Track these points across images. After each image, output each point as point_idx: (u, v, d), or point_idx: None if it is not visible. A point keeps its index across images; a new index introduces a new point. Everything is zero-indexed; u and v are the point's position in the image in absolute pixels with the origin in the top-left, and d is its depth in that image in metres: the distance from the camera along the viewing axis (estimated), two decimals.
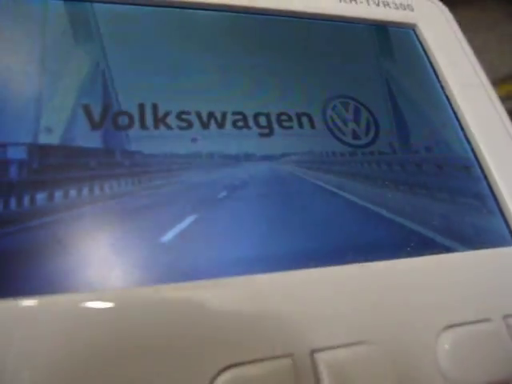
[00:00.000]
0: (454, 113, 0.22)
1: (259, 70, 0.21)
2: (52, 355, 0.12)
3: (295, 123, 0.20)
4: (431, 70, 0.23)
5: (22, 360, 0.12)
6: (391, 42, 0.24)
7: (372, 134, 0.21)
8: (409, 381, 0.15)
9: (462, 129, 0.22)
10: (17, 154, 0.16)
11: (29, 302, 0.13)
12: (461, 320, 0.16)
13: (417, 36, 0.24)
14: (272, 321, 0.14)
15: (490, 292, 0.17)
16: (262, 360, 0.13)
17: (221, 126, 0.19)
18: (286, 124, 0.20)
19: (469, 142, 0.22)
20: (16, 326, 0.12)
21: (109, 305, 0.13)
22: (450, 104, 0.23)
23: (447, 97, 0.23)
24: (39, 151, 0.16)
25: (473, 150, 0.21)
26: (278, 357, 0.14)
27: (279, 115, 0.20)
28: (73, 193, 0.16)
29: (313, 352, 0.14)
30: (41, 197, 0.15)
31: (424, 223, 0.19)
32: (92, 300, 0.13)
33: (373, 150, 0.20)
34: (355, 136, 0.20)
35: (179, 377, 0.13)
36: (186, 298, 0.14)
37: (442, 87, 0.23)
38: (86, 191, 0.16)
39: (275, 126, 0.19)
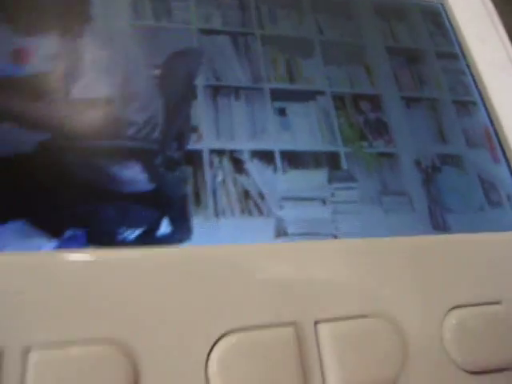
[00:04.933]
0: (480, 93, 0.22)
1: None
2: None
3: None
4: (458, 47, 0.22)
5: None
6: (418, 16, 0.23)
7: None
8: (412, 355, 0.14)
9: (487, 111, 0.21)
10: None
11: None
12: (470, 301, 0.15)
13: (445, 11, 0.23)
14: (279, 288, 0.14)
15: (501, 275, 0.16)
16: (265, 326, 0.13)
17: None
18: None
19: (493, 126, 0.21)
20: None
21: None
22: (476, 84, 0.22)
23: (473, 76, 0.22)
24: None
25: (497, 134, 0.21)
26: (282, 324, 0.14)
27: None
28: None
29: (316, 323, 0.14)
30: None
31: (437, 202, 0.18)
32: None
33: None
34: None
35: (183, 337, 0.13)
36: (186, 262, 0.14)
37: (468, 66, 0.22)
38: None
39: None
